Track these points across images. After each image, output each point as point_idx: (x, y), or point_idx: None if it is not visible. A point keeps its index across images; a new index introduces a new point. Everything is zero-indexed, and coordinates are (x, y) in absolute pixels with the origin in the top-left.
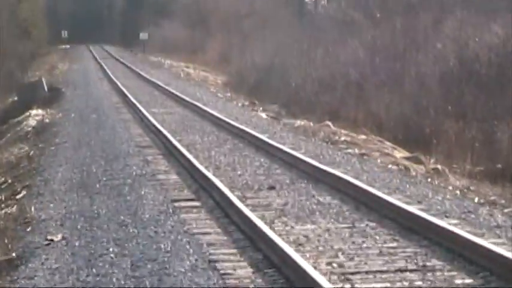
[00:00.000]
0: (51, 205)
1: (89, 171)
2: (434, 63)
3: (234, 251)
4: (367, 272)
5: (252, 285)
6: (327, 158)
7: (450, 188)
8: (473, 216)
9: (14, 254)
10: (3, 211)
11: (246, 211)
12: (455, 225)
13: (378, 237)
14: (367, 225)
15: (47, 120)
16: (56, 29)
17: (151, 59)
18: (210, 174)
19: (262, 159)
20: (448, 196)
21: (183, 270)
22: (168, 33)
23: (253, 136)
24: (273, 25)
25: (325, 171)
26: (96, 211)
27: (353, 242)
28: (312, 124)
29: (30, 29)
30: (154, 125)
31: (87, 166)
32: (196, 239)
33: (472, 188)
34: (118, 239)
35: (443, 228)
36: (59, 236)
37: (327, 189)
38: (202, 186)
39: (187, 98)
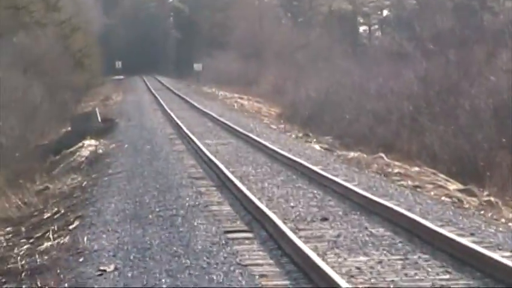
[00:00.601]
0: (104, 236)
1: (141, 202)
2: (488, 96)
3: (287, 282)
4: None
5: None
6: (380, 190)
7: (503, 220)
8: None
9: (66, 285)
10: (55, 241)
11: (299, 242)
12: (508, 257)
13: (430, 270)
14: (419, 257)
15: (100, 151)
16: (110, 59)
17: (205, 90)
18: (263, 206)
19: (315, 191)
20: (500, 229)
21: None
22: (222, 64)
23: (307, 168)
24: (327, 57)
25: (378, 203)
26: (148, 242)
27: (405, 274)
28: (365, 156)
29: (84, 59)
30: (207, 156)
31: (140, 197)
32: (249, 271)
33: None
34: (170, 270)
35: (496, 261)
36: (112, 267)
37: (380, 221)
38: (255, 218)
39: (240, 129)
